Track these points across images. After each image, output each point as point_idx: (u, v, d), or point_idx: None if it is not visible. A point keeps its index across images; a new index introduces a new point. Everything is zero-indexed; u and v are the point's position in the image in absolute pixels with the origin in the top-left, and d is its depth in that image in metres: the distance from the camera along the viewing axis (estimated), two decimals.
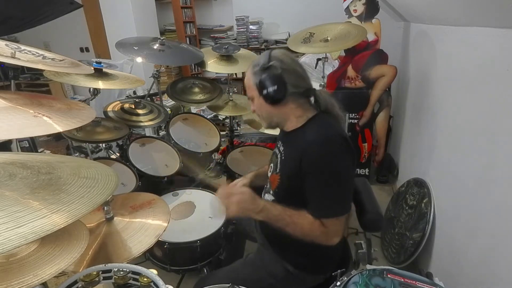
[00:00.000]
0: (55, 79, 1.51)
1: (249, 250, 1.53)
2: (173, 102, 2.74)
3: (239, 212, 0.98)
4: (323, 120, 1.03)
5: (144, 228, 1.06)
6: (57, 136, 3.48)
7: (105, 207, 1.07)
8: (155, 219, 1.10)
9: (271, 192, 1.11)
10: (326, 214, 0.95)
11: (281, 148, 1.09)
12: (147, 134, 2.67)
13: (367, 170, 2.75)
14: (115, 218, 1.10)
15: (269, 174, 1.14)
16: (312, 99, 1.05)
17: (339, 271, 0.87)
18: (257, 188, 1.06)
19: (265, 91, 0.98)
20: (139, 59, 1.88)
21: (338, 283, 0.82)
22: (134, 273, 0.79)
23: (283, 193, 1.05)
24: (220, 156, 2.64)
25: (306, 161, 0.95)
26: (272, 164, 1.14)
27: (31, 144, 2.29)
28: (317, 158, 0.94)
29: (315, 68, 2.37)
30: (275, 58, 1.00)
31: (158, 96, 2.53)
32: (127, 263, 0.83)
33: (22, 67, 3.11)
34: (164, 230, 1.06)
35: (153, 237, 1.02)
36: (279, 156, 1.09)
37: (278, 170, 1.07)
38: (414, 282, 0.80)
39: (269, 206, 0.99)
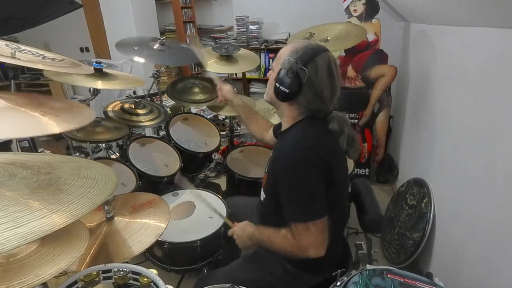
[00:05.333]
0: (55, 79, 1.51)
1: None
2: (173, 102, 2.74)
3: (243, 246, 1.12)
4: (304, 126, 1.00)
5: (144, 228, 1.06)
6: (57, 136, 3.47)
7: (106, 207, 1.08)
8: (155, 219, 1.10)
9: (262, 189, 1.13)
10: (291, 218, 0.94)
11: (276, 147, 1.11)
12: (147, 134, 2.67)
13: (367, 170, 2.75)
14: (115, 217, 1.10)
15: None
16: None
17: (339, 271, 0.87)
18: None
19: (277, 83, 0.95)
20: (139, 59, 1.88)
21: (338, 283, 0.82)
22: (134, 273, 0.79)
23: (270, 191, 1.07)
24: (220, 156, 2.64)
25: (276, 167, 0.98)
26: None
27: (31, 144, 2.28)
28: (283, 167, 0.96)
29: None
30: (315, 65, 0.93)
31: (158, 96, 2.53)
32: (127, 263, 0.83)
33: (22, 67, 3.12)
34: (164, 229, 1.06)
35: (153, 237, 1.02)
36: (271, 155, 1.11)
37: (266, 169, 1.10)
38: (414, 282, 0.80)
39: (257, 234, 1.05)
